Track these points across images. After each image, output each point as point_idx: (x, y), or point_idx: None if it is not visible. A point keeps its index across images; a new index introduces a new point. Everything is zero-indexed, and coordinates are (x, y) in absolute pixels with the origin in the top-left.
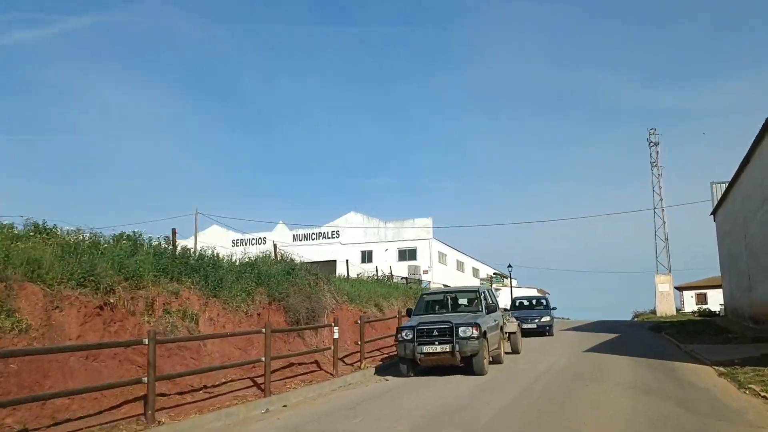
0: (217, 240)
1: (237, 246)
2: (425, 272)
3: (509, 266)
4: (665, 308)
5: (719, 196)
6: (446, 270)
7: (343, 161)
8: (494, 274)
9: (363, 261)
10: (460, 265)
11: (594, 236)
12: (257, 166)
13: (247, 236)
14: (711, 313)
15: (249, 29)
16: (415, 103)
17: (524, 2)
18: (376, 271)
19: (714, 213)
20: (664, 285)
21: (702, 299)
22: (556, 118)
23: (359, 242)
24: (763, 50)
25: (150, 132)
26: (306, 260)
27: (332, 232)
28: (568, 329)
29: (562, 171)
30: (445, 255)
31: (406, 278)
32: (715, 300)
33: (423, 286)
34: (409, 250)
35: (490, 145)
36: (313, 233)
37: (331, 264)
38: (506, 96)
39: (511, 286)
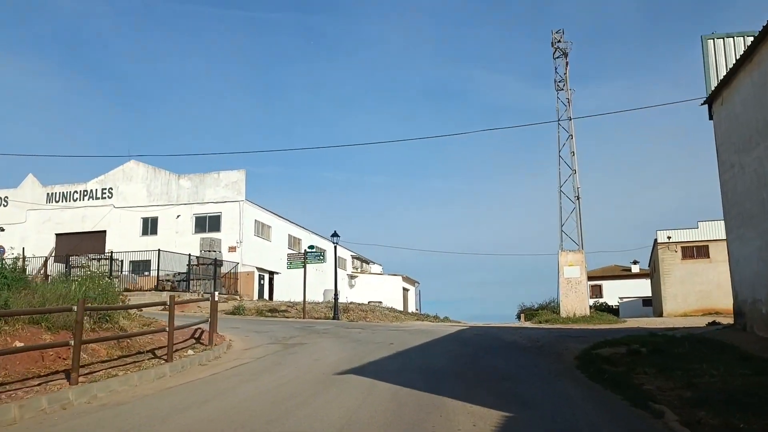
0: None
1: None
2: (232, 249)
3: (334, 235)
4: (574, 304)
5: (732, 60)
6: (269, 247)
7: (229, 145)
8: (308, 249)
9: (145, 232)
10: (294, 242)
11: (488, 213)
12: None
13: None
14: (609, 309)
15: (127, 5)
16: (300, 91)
17: None
18: None
19: (712, 100)
20: (572, 268)
21: (597, 292)
22: (443, 113)
23: (141, 205)
24: (640, 55)
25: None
26: (62, 232)
27: (103, 190)
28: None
29: (449, 166)
30: (268, 227)
31: (197, 258)
32: (612, 293)
33: (226, 271)
34: (210, 216)
35: (376, 137)
36: (76, 191)
37: (100, 237)
38: (394, 89)
39: (336, 265)
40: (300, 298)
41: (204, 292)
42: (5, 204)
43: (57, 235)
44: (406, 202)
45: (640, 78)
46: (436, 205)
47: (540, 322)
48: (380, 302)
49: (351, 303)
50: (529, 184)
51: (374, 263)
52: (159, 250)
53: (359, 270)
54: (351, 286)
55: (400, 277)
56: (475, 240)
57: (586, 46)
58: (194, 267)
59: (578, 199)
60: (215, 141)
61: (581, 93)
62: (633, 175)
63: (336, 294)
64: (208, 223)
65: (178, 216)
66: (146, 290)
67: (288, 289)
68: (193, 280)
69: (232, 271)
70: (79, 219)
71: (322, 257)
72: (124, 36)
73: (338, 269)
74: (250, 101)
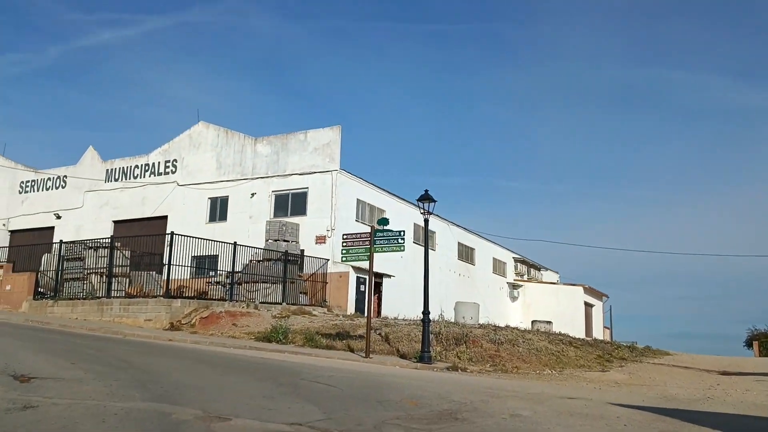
0: (2, 182)
1: (27, 191)
2: (321, 240)
3: (423, 199)
4: None
5: None
6: None
7: (411, 158)
8: (380, 223)
9: (212, 217)
10: (414, 231)
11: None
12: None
13: (41, 175)
14: None
15: (321, 26)
16: (484, 99)
17: None
18: None
19: None
20: None
21: None
22: (631, 117)
23: (208, 181)
24: None
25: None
26: (120, 219)
27: (167, 162)
28: None
29: (638, 173)
30: (380, 210)
31: (262, 251)
32: None
33: (311, 270)
34: (294, 194)
35: (562, 144)
36: (137, 166)
37: (161, 224)
38: (579, 92)
39: (427, 253)
40: (430, 311)
41: (259, 302)
42: (63, 185)
43: (115, 222)
44: (593, 212)
45: None
46: (628, 215)
47: None
48: (549, 322)
49: (480, 326)
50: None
51: (547, 269)
52: (172, 233)
53: (525, 277)
54: (513, 297)
55: (581, 288)
56: (676, 248)
57: None
58: (257, 263)
59: None
60: (397, 152)
61: None
62: None
63: (426, 313)
64: (290, 204)
65: (252, 194)
66: (151, 297)
67: (411, 298)
68: (250, 282)
69: (320, 270)
70: (138, 201)
71: (399, 241)
72: (316, 55)
73: (496, 275)
74: (433, 112)
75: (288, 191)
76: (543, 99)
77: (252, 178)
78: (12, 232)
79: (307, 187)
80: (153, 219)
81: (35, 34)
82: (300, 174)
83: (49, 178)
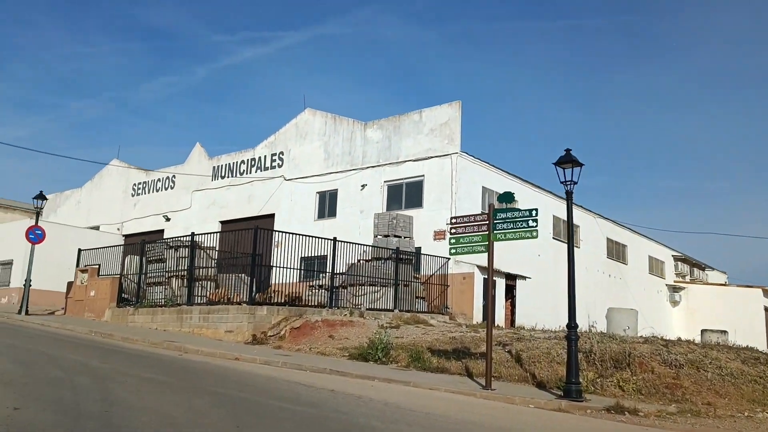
0: (117, 184)
1: (138, 194)
2: (439, 236)
3: (563, 162)
4: None
5: None
6: None
7: (548, 159)
8: (501, 200)
9: (321, 214)
10: (554, 225)
11: None
12: None
13: (151, 176)
14: None
15: (455, 30)
16: (627, 95)
17: None
18: None
19: None
20: None
21: None
22: None
23: (316, 174)
24: None
25: None
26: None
27: (273, 156)
28: None
29: None
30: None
31: (371, 248)
32: None
33: (432, 271)
34: (408, 183)
35: (716, 138)
36: (243, 161)
37: (267, 223)
38: (735, 82)
39: (571, 242)
40: (571, 320)
41: (365, 309)
42: (172, 186)
43: (221, 222)
44: (757, 209)
45: None
46: None
47: None
48: (724, 332)
49: (644, 339)
50: None
51: (712, 269)
52: (257, 228)
53: (687, 278)
54: (674, 302)
55: (760, 290)
56: None
57: None
58: (364, 263)
59: None
60: (532, 154)
61: None
62: None
63: (572, 327)
64: (405, 194)
65: (363, 186)
66: (234, 304)
67: (551, 303)
68: (356, 285)
69: (440, 271)
70: (244, 199)
71: (530, 224)
72: (447, 60)
73: (653, 275)
74: (573, 111)
75: (402, 180)
76: (692, 92)
77: (362, 168)
78: (126, 236)
79: (422, 175)
80: (259, 218)
81: (185, 57)
82: (414, 160)
83: (158, 179)
